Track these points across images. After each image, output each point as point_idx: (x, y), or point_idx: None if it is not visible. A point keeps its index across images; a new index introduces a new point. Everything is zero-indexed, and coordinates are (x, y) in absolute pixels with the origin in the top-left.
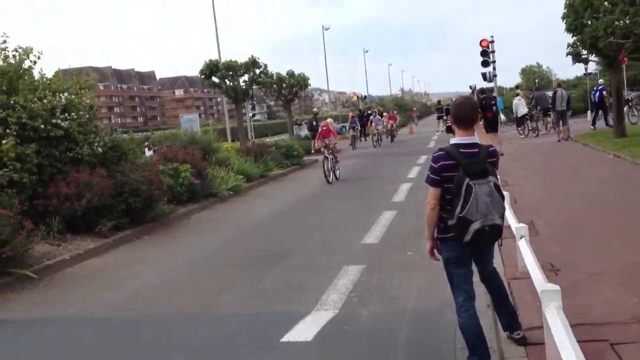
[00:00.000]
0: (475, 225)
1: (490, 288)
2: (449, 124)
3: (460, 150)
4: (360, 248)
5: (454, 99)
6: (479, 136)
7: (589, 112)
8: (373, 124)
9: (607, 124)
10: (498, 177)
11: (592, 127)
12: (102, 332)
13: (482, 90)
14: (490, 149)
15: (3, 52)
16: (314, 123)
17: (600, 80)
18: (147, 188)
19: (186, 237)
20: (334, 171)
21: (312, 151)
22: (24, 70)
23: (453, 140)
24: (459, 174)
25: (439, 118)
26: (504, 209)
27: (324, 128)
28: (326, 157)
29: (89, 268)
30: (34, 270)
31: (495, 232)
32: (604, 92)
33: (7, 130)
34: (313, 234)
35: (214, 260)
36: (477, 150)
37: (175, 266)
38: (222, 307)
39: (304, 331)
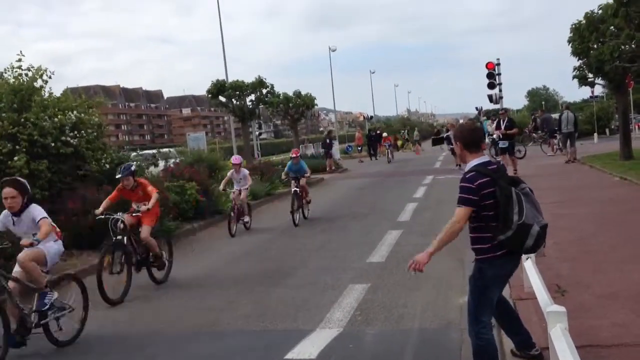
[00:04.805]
0: (536, 228)
1: (502, 308)
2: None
3: (488, 167)
4: (366, 267)
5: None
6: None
7: (595, 134)
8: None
9: None
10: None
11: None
12: (106, 348)
13: (505, 110)
14: (500, 164)
15: (17, 70)
16: (327, 141)
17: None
18: None
19: (191, 254)
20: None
21: (328, 169)
22: (35, 89)
23: (474, 162)
24: (502, 186)
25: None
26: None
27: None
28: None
29: (95, 283)
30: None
31: (546, 232)
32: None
33: (17, 147)
34: (319, 251)
35: (218, 277)
36: (496, 166)
37: (179, 282)
38: (226, 325)
39: (308, 349)
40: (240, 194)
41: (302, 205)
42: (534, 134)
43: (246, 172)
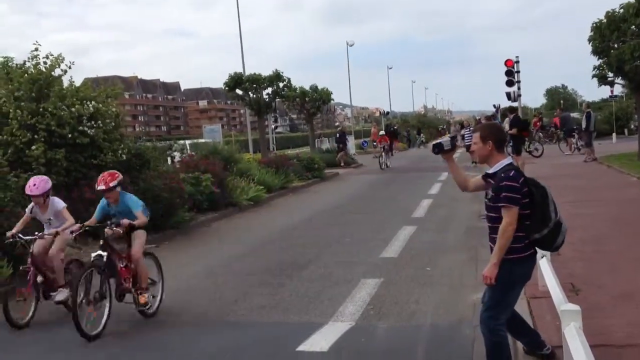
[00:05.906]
0: (565, 225)
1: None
2: (469, 143)
3: (516, 166)
4: (379, 262)
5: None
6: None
7: (614, 134)
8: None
9: None
10: None
11: None
12: (116, 339)
13: (512, 109)
14: None
15: (34, 59)
16: (338, 135)
17: None
18: (168, 195)
19: (206, 245)
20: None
21: (341, 163)
22: (54, 79)
23: (505, 162)
24: (537, 184)
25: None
26: None
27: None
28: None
29: None
30: None
31: None
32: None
33: (36, 136)
34: (332, 246)
35: (232, 268)
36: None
37: (193, 273)
38: (239, 316)
39: (320, 341)
40: (46, 245)
41: (127, 290)
42: (540, 133)
43: (60, 206)
